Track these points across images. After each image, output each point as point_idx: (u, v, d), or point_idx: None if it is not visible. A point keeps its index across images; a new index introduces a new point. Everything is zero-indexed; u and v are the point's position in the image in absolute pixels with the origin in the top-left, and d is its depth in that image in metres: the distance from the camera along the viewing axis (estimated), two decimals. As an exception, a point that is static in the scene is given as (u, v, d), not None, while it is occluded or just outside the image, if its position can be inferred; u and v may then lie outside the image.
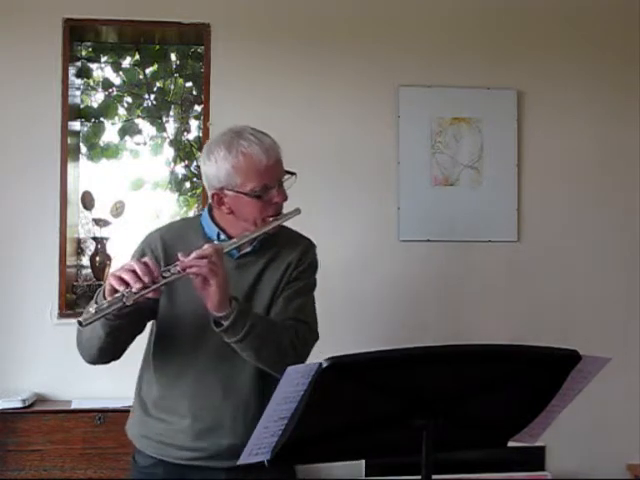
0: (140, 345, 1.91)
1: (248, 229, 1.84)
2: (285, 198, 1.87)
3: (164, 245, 1.88)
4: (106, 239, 3.41)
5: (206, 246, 1.71)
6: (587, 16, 3.32)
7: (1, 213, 3.06)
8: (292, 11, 3.19)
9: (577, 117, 3.31)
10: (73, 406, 2.87)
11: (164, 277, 1.66)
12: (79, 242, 3.43)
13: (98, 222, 3.42)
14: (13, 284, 3.05)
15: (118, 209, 3.44)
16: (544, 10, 3.30)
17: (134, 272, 1.63)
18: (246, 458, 1.39)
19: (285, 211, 1.89)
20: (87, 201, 3.37)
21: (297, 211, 1.89)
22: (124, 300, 1.60)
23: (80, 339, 1.80)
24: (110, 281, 1.64)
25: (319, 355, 1.36)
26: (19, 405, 2.80)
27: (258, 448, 1.39)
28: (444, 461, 1.65)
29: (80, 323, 1.60)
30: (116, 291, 1.63)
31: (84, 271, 3.43)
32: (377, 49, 3.22)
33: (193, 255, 1.67)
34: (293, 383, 1.29)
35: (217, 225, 1.90)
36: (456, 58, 3.25)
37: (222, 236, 1.88)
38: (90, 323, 1.61)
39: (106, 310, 1.61)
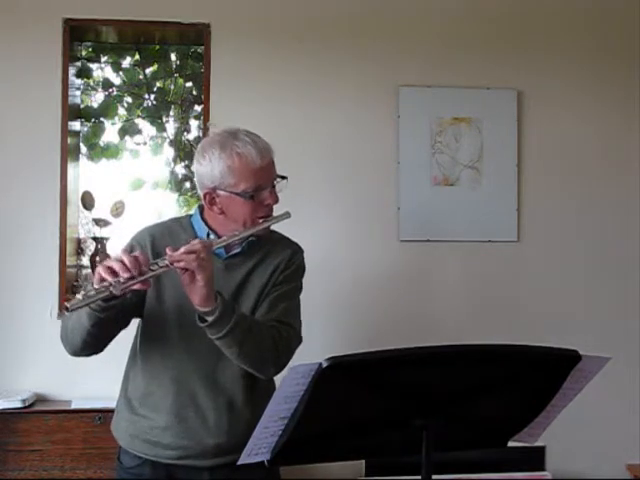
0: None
1: (238, 230, 1.84)
2: (277, 200, 1.89)
3: (153, 242, 1.89)
4: (106, 239, 3.41)
5: (195, 241, 1.72)
6: (587, 16, 3.32)
7: (1, 213, 3.06)
8: (292, 11, 3.19)
9: (577, 117, 3.31)
10: (73, 406, 2.87)
11: (152, 270, 1.66)
12: (79, 242, 3.43)
13: (98, 222, 3.42)
14: (13, 284, 3.05)
15: (118, 209, 3.44)
16: (544, 10, 3.30)
17: (122, 262, 1.63)
18: (246, 458, 1.39)
19: (275, 214, 1.91)
20: (87, 201, 3.37)
21: (287, 214, 1.90)
22: (111, 289, 1.61)
23: (65, 330, 1.81)
24: (99, 271, 1.65)
25: (319, 356, 1.36)
26: (19, 405, 2.81)
27: (258, 448, 1.39)
28: (444, 461, 1.65)
29: (67, 308, 1.61)
30: (104, 281, 1.63)
31: (84, 271, 3.43)
32: (377, 49, 3.22)
33: (182, 250, 1.68)
34: (293, 383, 1.29)
35: (207, 225, 1.91)
36: (456, 58, 3.25)
37: (212, 236, 1.89)
38: (77, 309, 1.62)
39: (94, 297, 1.62)
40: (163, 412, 1.87)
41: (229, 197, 1.84)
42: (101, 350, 1.85)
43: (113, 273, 1.63)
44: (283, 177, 1.90)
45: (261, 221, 1.87)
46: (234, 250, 1.90)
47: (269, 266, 1.92)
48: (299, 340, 1.92)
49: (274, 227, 1.95)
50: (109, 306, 1.67)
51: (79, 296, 1.63)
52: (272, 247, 1.95)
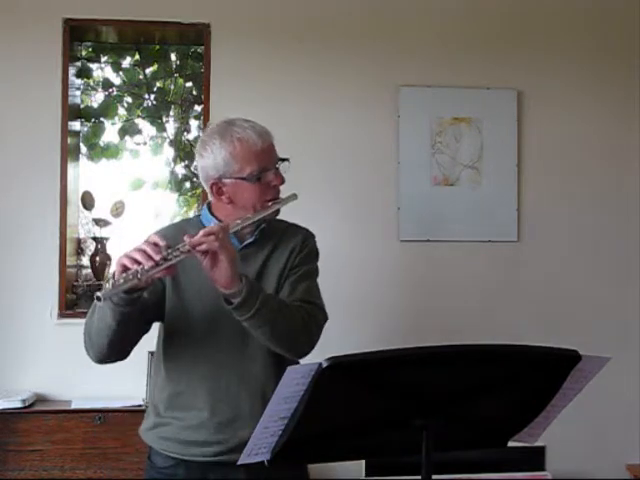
0: (139, 346, 1.90)
1: (250, 214, 1.85)
2: (283, 181, 1.90)
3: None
4: (106, 239, 3.41)
5: (212, 224, 1.72)
6: (587, 16, 3.32)
7: (1, 213, 3.06)
8: (292, 11, 3.19)
9: (577, 117, 3.31)
10: (73, 406, 2.87)
11: (175, 256, 1.66)
12: (79, 242, 3.43)
13: (98, 222, 3.41)
14: (13, 284, 3.05)
15: (118, 209, 3.44)
16: (544, 10, 3.30)
17: (144, 252, 1.63)
18: (245, 458, 1.39)
19: (282, 197, 1.92)
20: (87, 201, 3.37)
21: (294, 196, 1.92)
22: (139, 277, 1.61)
23: (89, 335, 1.79)
24: (123, 261, 1.64)
25: (319, 355, 1.36)
26: (19, 405, 2.80)
27: (258, 448, 1.39)
28: (444, 461, 1.65)
29: (98, 298, 1.60)
30: (129, 270, 1.63)
31: (84, 271, 3.43)
32: (377, 49, 3.22)
33: (201, 233, 1.68)
34: (293, 383, 1.29)
35: (218, 220, 1.91)
36: (456, 58, 3.25)
37: None
38: (108, 297, 1.61)
39: (122, 286, 1.61)
40: (194, 410, 1.85)
41: (235, 184, 1.84)
42: (126, 355, 1.83)
43: (137, 262, 1.63)
44: (284, 159, 1.90)
45: (270, 204, 1.88)
46: (247, 240, 1.90)
47: (284, 251, 1.92)
48: (325, 317, 1.91)
49: (282, 216, 1.96)
50: (133, 299, 1.67)
51: (108, 285, 1.63)
52: (283, 234, 1.96)
